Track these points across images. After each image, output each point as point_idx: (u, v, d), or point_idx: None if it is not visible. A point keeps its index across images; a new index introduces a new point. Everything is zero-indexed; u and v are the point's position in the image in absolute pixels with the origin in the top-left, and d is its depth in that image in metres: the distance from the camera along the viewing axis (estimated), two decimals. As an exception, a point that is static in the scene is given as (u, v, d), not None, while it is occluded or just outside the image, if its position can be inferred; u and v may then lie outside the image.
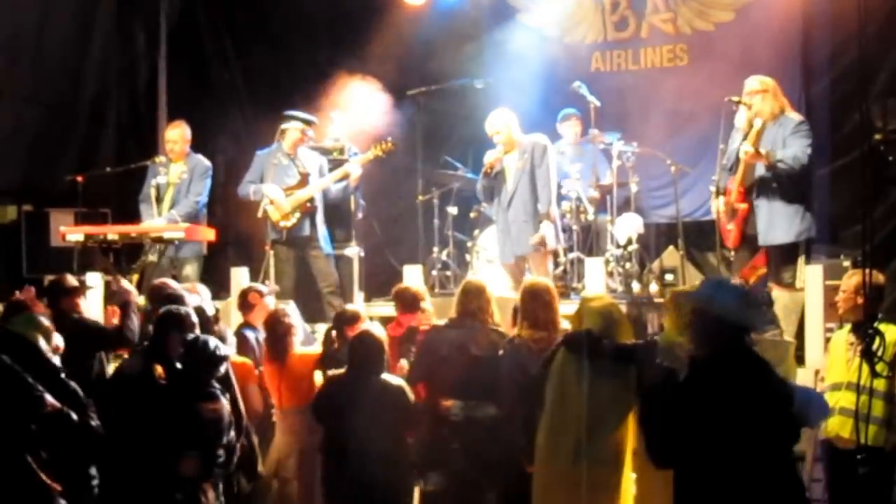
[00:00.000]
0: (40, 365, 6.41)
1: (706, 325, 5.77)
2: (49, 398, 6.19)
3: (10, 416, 6.12)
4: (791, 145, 9.65)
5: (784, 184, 9.65)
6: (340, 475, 7.58)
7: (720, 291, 5.88)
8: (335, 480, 7.65)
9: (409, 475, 7.88)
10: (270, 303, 9.31)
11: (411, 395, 7.66)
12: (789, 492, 5.68)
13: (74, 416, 6.22)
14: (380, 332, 7.92)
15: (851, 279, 7.91)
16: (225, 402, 7.14)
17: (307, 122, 11.56)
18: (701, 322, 5.82)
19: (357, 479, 7.41)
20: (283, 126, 11.51)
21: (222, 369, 7.21)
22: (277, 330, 8.53)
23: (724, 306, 5.71)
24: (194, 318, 7.48)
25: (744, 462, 5.50)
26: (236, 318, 9.93)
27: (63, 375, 6.51)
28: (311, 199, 11.33)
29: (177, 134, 11.70)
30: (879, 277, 7.85)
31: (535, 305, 7.64)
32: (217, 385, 7.16)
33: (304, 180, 11.34)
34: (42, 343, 6.68)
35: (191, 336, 7.23)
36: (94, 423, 6.38)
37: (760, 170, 9.74)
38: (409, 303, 8.81)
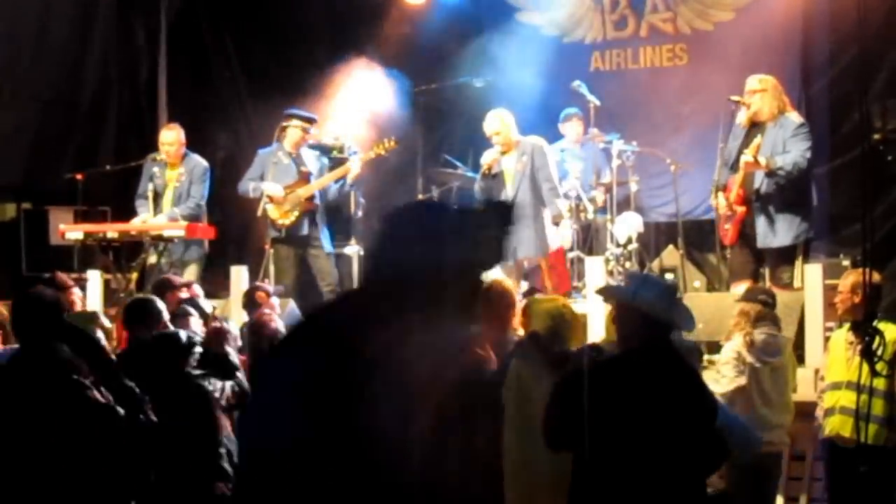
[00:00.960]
0: (98, 359, 6.37)
1: (629, 321, 5.67)
2: (95, 393, 6.17)
3: (54, 409, 6.09)
4: (791, 149, 9.61)
5: (783, 189, 9.63)
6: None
7: (645, 287, 5.74)
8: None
9: None
10: (276, 303, 9.30)
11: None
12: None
13: (121, 412, 6.20)
14: None
15: (848, 279, 7.92)
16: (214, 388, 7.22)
17: (308, 121, 11.55)
18: (624, 317, 5.72)
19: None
20: (285, 125, 11.50)
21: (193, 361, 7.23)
22: (262, 333, 8.51)
23: (647, 302, 5.58)
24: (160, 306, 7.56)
25: (643, 460, 5.36)
26: (236, 316, 9.92)
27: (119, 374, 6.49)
28: (312, 198, 11.32)
29: (172, 137, 11.65)
30: (876, 276, 7.86)
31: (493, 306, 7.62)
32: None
33: (304, 179, 11.33)
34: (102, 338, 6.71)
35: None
36: (147, 419, 6.35)
37: (760, 176, 9.72)
38: None
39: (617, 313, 5.87)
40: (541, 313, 6.82)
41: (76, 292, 9.09)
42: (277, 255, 11.33)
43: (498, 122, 10.66)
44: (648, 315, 5.56)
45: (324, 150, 11.93)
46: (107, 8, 14.37)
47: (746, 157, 9.61)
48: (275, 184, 11.25)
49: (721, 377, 7.52)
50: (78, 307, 9.03)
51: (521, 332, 7.57)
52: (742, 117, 9.97)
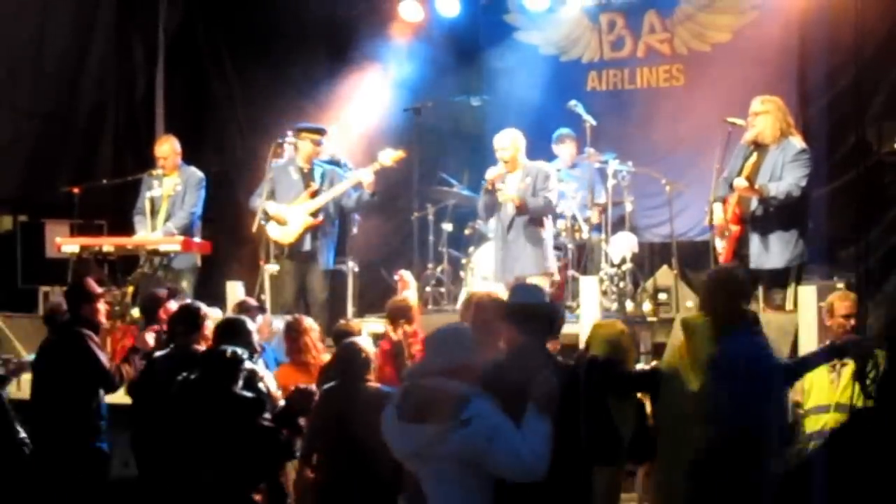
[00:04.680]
0: None
1: None
2: None
3: None
4: (787, 176, 9.52)
5: (778, 212, 9.60)
6: (338, 482, 7.59)
7: None
8: (332, 488, 7.66)
9: (396, 477, 7.87)
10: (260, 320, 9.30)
11: None
12: None
13: None
14: (366, 343, 7.92)
15: (845, 302, 7.90)
16: None
17: (318, 132, 11.44)
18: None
19: (355, 485, 7.44)
20: (297, 140, 11.42)
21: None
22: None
23: None
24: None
25: None
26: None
27: None
28: (316, 214, 11.24)
29: (167, 149, 11.68)
30: (852, 297, 7.91)
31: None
32: None
33: (313, 194, 11.25)
34: None
35: None
36: None
37: (755, 200, 9.70)
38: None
39: None
40: (599, 340, 6.86)
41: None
42: (281, 269, 11.28)
43: (508, 141, 10.71)
44: None
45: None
46: (105, 23, 14.39)
47: (740, 181, 9.58)
48: (276, 203, 11.20)
49: None
50: (103, 318, 9.00)
51: None
52: (748, 136, 9.89)
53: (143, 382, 8.39)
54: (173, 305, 8.99)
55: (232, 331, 7.72)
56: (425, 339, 5.87)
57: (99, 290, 8.93)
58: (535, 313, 5.97)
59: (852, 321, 7.83)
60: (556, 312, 6.19)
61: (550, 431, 5.29)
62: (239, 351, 7.37)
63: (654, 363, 7.68)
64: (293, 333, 8.95)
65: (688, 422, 6.20)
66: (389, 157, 11.16)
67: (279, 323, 9.62)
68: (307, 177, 11.33)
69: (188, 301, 9.02)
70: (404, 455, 5.44)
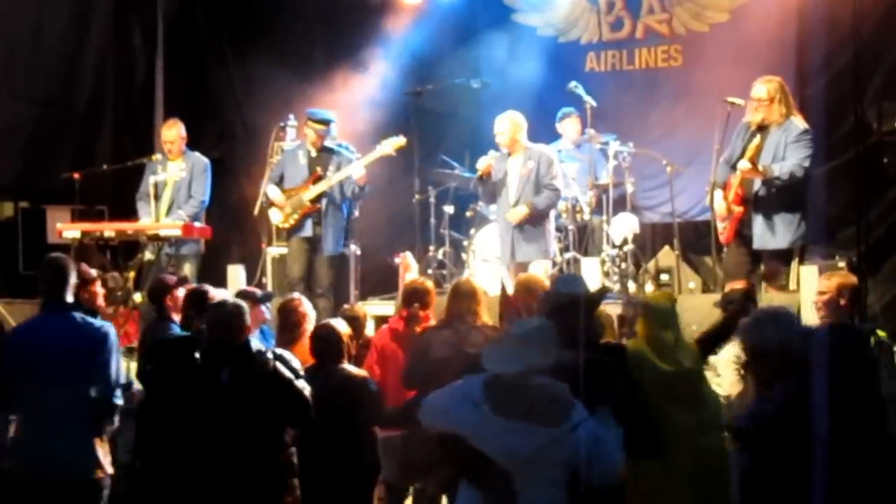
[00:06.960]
0: None
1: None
2: None
3: None
4: (790, 156, 9.55)
5: (781, 193, 9.63)
6: (310, 464, 7.63)
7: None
8: (304, 469, 7.70)
9: (373, 462, 7.87)
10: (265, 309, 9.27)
11: (373, 386, 7.69)
12: None
13: None
14: (341, 325, 7.92)
15: (832, 280, 7.90)
16: None
17: (320, 122, 11.36)
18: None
19: (323, 467, 7.48)
20: (305, 126, 11.42)
21: None
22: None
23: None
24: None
25: None
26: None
27: None
28: (316, 200, 11.22)
29: (173, 133, 11.66)
30: (852, 279, 7.90)
31: (531, 300, 7.67)
32: None
33: (315, 180, 11.24)
34: None
35: None
36: None
37: (758, 181, 9.72)
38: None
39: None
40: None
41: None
42: (290, 248, 11.31)
43: (506, 124, 10.72)
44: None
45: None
46: (103, 9, 14.37)
47: (743, 163, 9.60)
48: (275, 187, 11.21)
49: (722, 380, 7.51)
50: (100, 301, 8.97)
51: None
52: (752, 118, 9.88)
53: (155, 370, 8.34)
54: (181, 293, 8.97)
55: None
56: (505, 333, 5.66)
57: (93, 273, 8.90)
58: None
59: (825, 297, 7.80)
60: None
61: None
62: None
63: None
64: (289, 315, 8.83)
65: (659, 402, 6.17)
66: (391, 145, 11.16)
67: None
68: (314, 162, 11.32)
69: (194, 285, 8.98)
70: (508, 455, 5.00)
